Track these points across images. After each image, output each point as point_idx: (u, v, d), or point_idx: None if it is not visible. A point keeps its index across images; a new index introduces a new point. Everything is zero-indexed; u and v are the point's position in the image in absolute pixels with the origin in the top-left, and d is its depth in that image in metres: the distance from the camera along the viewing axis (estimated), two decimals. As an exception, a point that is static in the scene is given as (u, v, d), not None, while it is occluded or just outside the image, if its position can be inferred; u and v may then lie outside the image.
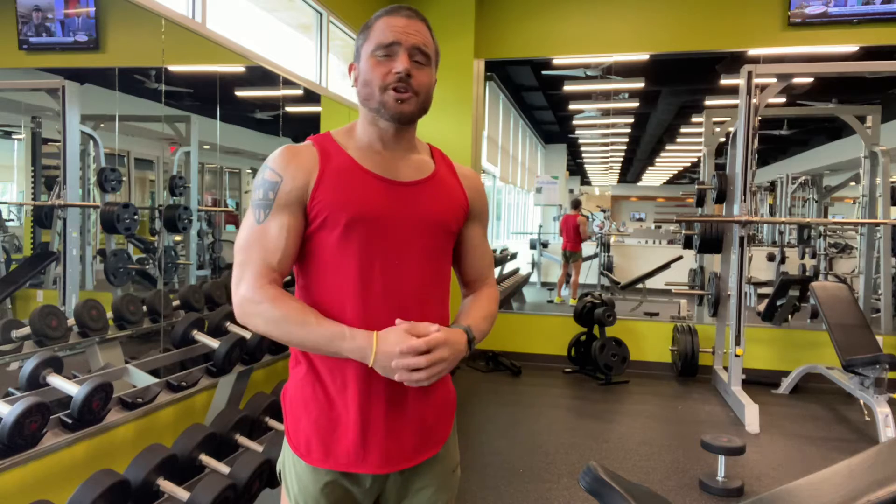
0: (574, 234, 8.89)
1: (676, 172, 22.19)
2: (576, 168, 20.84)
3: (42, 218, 3.34)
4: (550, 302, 9.27)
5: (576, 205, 9.21)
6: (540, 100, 12.38)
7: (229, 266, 4.73)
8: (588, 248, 9.81)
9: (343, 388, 1.17)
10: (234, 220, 6.00)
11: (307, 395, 1.20)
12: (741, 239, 4.44)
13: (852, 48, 5.09)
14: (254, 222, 1.16)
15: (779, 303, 5.97)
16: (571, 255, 9.00)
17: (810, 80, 7.19)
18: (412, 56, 1.16)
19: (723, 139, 6.13)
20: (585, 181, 23.29)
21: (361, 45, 1.20)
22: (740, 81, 4.40)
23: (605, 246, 10.19)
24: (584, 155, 18.49)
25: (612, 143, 16.10)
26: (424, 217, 1.20)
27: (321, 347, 1.12)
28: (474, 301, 1.32)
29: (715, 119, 6.53)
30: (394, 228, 1.17)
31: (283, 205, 1.15)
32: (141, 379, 2.46)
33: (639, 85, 9.04)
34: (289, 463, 1.24)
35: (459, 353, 1.15)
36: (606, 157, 18.89)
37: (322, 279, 1.18)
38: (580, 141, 15.99)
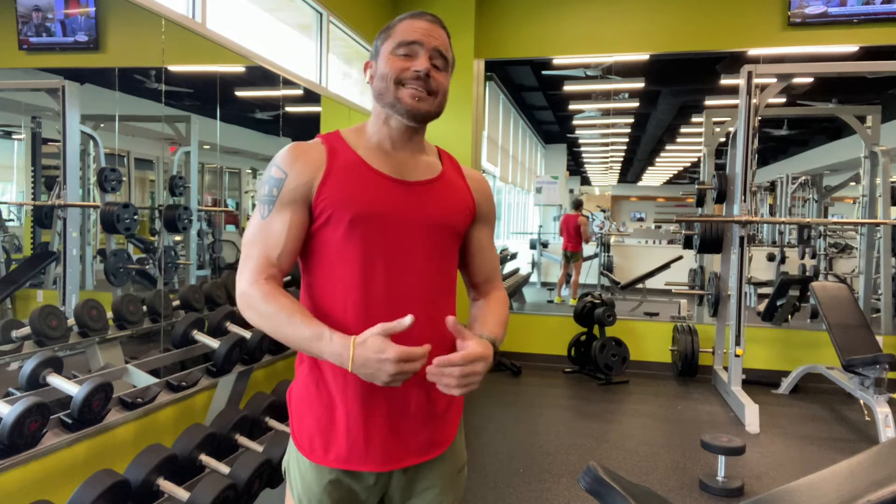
0: (575, 234, 8.89)
1: (676, 172, 22.19)
2: (576, 168, 20.85)
3: (42, 218, 3.34)
4: (550, 302, 9.27)
5: (577, 205, 9.22)
6: (540, 100, 12.39)
7: (229, 266, 4.74)
8: (588, 248, 9.81)
9: (344, 386, 1.17)
10: (234, 220, 5.99)
11: (311, 393, 1.21)
12: (741, 239, 4.44)
13: (852, 48, 5.09)
14: (259, 218, 1.18)
15: (779, 303, 5.98)
16: (572, 256, 9.01)
17: (810, 80, 7.19)
18: (432, 58, 1.18)
19: (723, 139, 6.12)
20: (585, 181, 23.30)
21: (381, 44, 1.21)
22: (740, 81, 4.40)
23: (605, 246, 10.19)
24: (584, 155, 18.50)
25: (612, 143, 16.10)
26: (430, 217, 1.20)
27: (304, 347, 1.11)
28: (489, 307, 1.32)
29: (715, 119, 6.53)
30: (398, 227, 1.17)
31: (287, 201, 1.16)
32: (141, 379, 2.46)
33: (639, 85, 9.04)
34: (293, 461, 1.24)
35: (489, 366, 1.13)
36: (606, 157, 18.90)
37: (325, 276, 1.18)
38: (580, 141, 16.00)
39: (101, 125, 3.34)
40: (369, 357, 1.03)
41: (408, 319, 1.05)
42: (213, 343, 2.71)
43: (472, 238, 1.32)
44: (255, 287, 1.13)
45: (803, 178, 9.79)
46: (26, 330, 2.42)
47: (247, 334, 2.78)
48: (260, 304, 1.12)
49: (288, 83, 3.89)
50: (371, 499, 1.22)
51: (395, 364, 1.02)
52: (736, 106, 4.59)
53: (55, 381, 2.08)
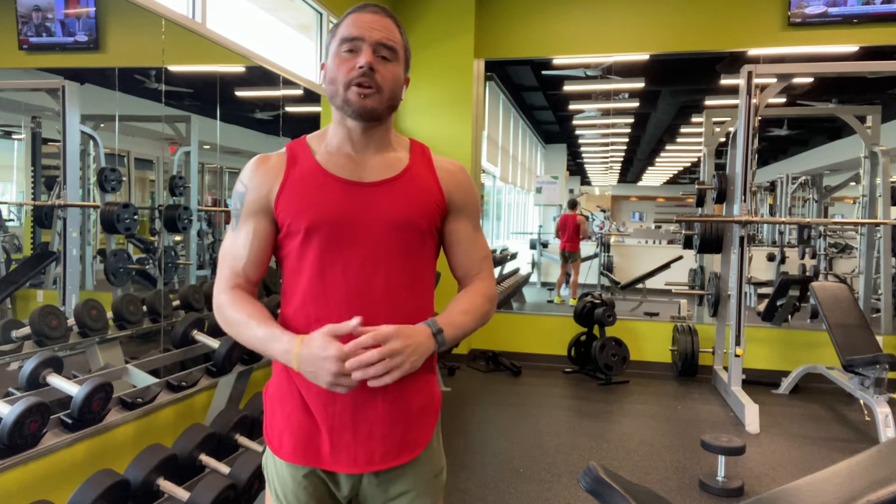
0: (574, 233, 8.89)
1: (676, 172, 22.18)
2: (576, 168, 20.83)
3: (42, 218, 3.33)
4: (550, 302, 9.27)
5: (573, 205, 9.22)
6: (540, 100, 12.37)
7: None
8: (588, 247, 9.81)
9: (309, 385, 1.16)
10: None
11: (282, 392, 1.21)
12: (741, 239, 4.44)
13: (852, 48, 5.09)
14: (230, 232, 1.23)
15: (779, 303, 5.97)
16: (570, 255, 9.00)
17: (810, 80, 7.19)
18: (376, 51, 1.15)
19: (723, 139, 6.12)
20: (585, 181, 23.29)
21: (329, 43, 1.21)
22: (740, 81, 4.40)
23: (605, 246, 10.19)
24: (584, 155, 18.48)
25: (612, 143, 16.10)
26: (389, 217, 1.17)
27: (260, 348, 1.13)
28: (457, 297, 1.27)
29: (715, 119, 6.52)
30: (356, 231, 1.16)
31: (249, 213, 1.20)
32: (141, 379, 2.46)
33: (639, 85, 9.04)
34: (269, 458, 1.25)
35: (420, 346, 1.09)
36: (606, 157, 18.89)
37: (291, 283, 1.20)
38: (580, 141, 15.99)
39: (101, 125, 3.34)
40: (314, 354, 1.04)
41: (354, 321, 1.05)
42: (213, 343, 2.71)
43: (448, 231, 1.27)
44: (222, 296, 1.19)
45: (803, 178, 9.79)
46: (26, 330, 2.42)
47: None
48: (226, 312, 1.17)
49: (288, 83, 3.90)
50: (345, 498, 1.22)
51: (336, 362, 1.02)
52: (736, 106, 4.58)
53: (55, 381, 2.08)
